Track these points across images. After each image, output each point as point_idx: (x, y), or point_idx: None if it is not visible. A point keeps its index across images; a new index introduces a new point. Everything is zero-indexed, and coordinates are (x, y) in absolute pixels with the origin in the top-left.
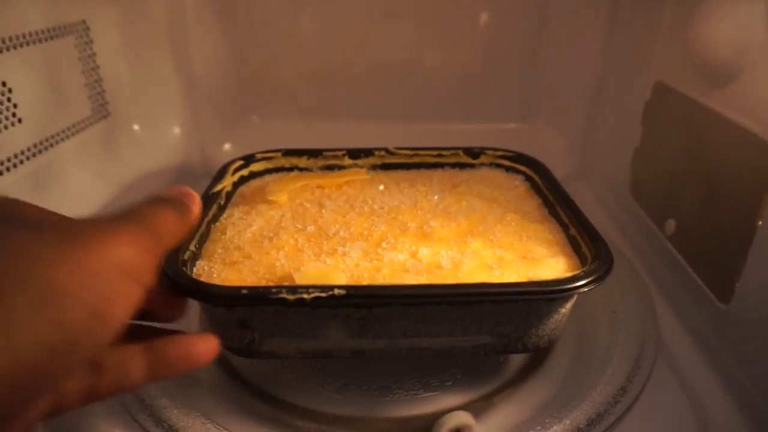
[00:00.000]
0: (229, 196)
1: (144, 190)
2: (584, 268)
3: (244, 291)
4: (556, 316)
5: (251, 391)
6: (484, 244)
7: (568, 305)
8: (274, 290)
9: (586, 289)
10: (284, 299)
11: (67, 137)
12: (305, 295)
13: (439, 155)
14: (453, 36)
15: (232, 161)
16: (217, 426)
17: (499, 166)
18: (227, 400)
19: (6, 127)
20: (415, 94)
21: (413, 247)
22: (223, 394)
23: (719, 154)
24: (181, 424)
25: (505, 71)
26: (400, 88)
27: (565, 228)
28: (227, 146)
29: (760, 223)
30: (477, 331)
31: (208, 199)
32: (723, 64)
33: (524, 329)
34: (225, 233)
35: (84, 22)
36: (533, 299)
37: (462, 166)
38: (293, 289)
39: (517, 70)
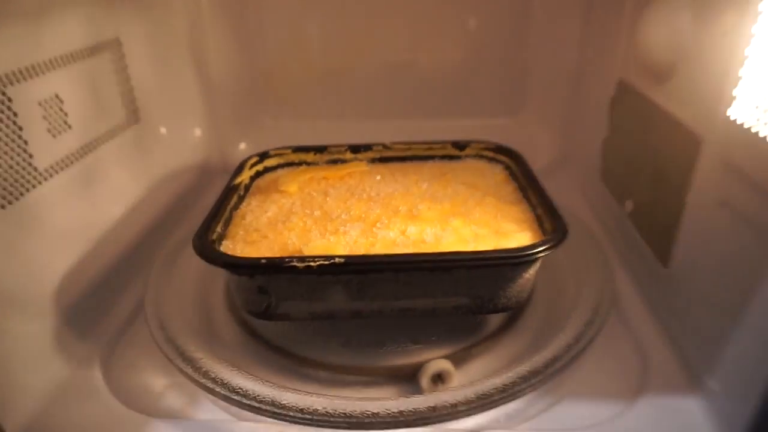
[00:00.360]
0: (247, 187)
1: (172, 186)
2: (542, 239)
3: (263, 260)
4: (521, 280)
5: (269, 348)
6: (464, 223)
7: (531, 270)
8: (287, 259)
9: (541, 255)
10: (295, 267)
11: (106, 140)
12: (312, 263)
13: (430, 148)
14: (445, 39)
15: (249, 158)
16: (241, 372)
17: (482, 156)
18: (250, 354)
19: (60, 133)
20: (411, 93)
21: (403, 227)
22: (246, 350)
23: (661, 142)
24: (214, 370)
25: (493, 72)
26: (397, 88)
27: (533, 208)
28: (242, 145)
29: (688, 198)
30: (454, 293)
31: (230, 190)
32: (661, 64)
33: (494, 292)
34: (245, 218)
35: (118, 39)
36: (499, 264)
37: (450, 157)
38: (302, 258)
39: (503, 71)
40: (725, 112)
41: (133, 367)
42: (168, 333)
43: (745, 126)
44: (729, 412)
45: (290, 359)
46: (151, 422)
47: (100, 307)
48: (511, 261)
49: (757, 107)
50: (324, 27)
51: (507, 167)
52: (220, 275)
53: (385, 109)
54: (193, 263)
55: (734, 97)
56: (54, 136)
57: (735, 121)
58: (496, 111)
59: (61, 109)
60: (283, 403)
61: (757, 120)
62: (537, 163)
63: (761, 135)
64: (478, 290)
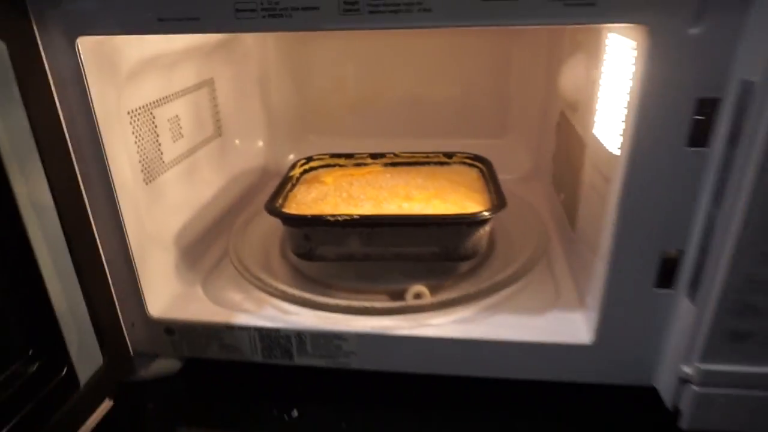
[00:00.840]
0: (298, 179)
1: (242, 181)
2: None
3: (308, 216)
4: (475, 236)
5: (308, 279)
6: (442, 202)
7: (481, 230)
8: (323, 216)
9: (485, 218)
10: (328, 220)
11: (201, 147)
12: (339, 218)
13: (427, 156)
14: (445, 80)
15: (300, 159)
16: (290, 287)
17: (464, 163)
18: (295, 283)
19: (177, 140)
20: (419, 119)
21: (400, 203)
22: (293, 280)
23: (574, 150)
24: (274, 284)
25: (484, 103)
26: (409, 115)
27: (491, 195)
28: (291, 155)
29: (581, 185)
30: (429, 243)
31: (286, 180)
32: (572, 99)
33: (457, 243)
34: (296, 197)
35: (212, 78)
36: (456, 223)
37: (441, 163)
38: (333, 215)
39: (491, 103)
40: (593, 131)
41: (222, 287)
42: (244, 265)
43: (599, 138)
44: (593, 317)
45: (321, 285)
46: (235, 314)
47: (200, 251)
48: (464, 221)
49: (601, 128)
50: (355, 69)
51: (480, 170)
52: (276, 235)
53: (399, 131)
54: (259, 228)
55: (595, 122)
56: (174, 141)
57: (596, 136)
58: (486, 134)
59: (178, 124)
60: (317, 301)
61: (602, 135)
62: (517, 172)
63: (604, 144)
64: (445, 242)
